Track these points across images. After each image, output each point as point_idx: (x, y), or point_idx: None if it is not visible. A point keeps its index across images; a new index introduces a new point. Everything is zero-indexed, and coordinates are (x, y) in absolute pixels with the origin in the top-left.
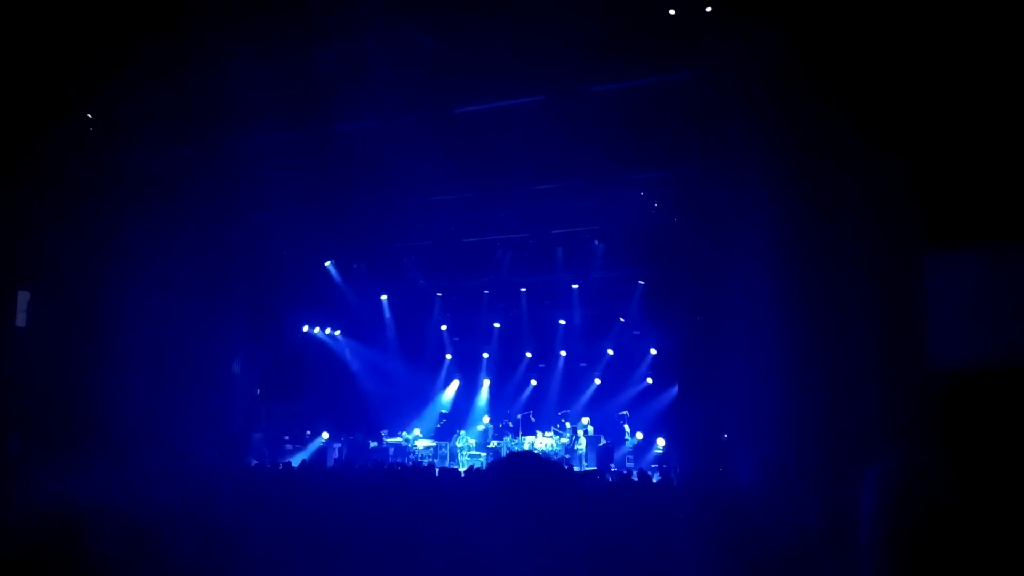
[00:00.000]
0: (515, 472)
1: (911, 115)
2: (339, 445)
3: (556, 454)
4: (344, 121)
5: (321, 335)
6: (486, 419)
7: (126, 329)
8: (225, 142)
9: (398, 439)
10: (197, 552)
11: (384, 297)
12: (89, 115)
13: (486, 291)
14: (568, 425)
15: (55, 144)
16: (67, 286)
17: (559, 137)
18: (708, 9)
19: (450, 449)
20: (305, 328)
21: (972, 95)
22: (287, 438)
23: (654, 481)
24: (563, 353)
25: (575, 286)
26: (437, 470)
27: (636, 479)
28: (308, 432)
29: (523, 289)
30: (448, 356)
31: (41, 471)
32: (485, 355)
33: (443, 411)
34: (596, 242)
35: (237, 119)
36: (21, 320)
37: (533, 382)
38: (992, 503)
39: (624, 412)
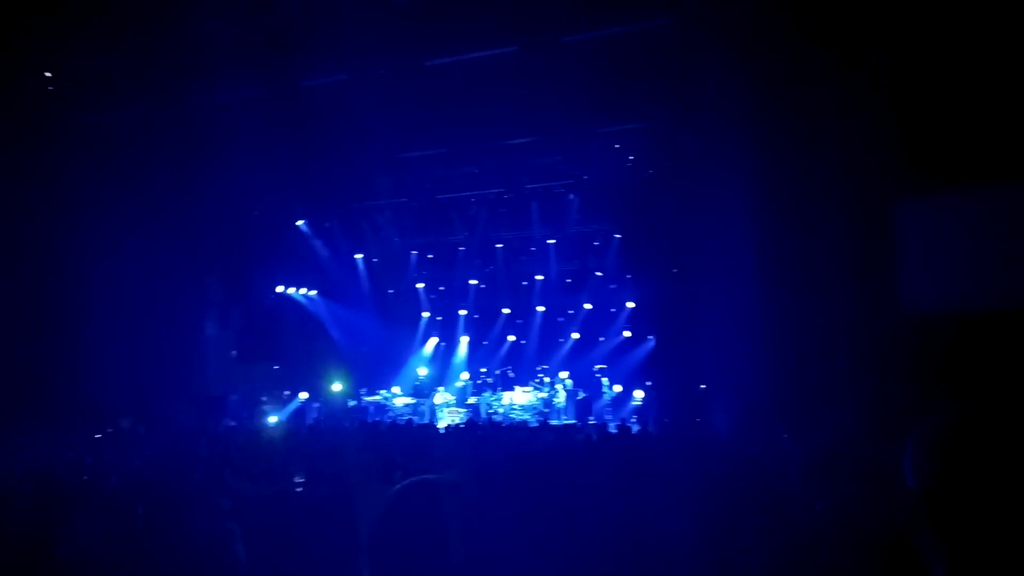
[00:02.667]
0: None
1: (883, 62)
2: (318, 404)
3: (535, 408)
4: (312, 76)
5: (296, 295)
6: (465, 376)
7: (95, 294)
8: (190, 100)
9: (377, 397)
10: (173, 518)
11: (359, 256)
12: (48, 74)
13: (462, 248)
14: (547, 380)
15: (14, 105)
16: (32, 251)
17: (532, 90)
18: None
19: (429, 406)
20: (280, 288)
21: (943, 42)
22: (264, 399)
23: (633, 432)
24: (540, 308)
25: (551, 241)
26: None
27: (614, 431)
28: (287, 392)
29: (499, 245)
30: (425, 314)
31: (14, 439)
32: (462, 312)
33: (421, 368)
34: (571, 196)
35: (202, 75)
36: None
37: (511, 338)
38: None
39: (600, 366)
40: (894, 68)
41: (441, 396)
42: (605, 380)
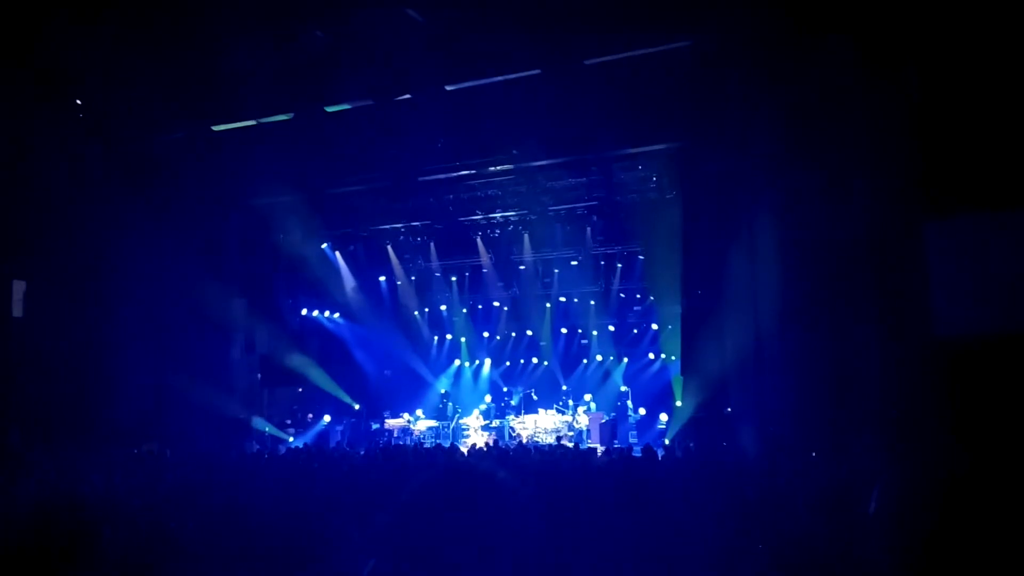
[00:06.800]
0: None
1: (911, 84)
2: (341, 427)
3: (558, 431)
4: (337, 102)
5: (321, 318)
6: (488, 398)
7: (124, 317)
8: (219, 126)
9: (400, 420)
10: (198, 539)
11: (382, 279)
12: (79, 102)
13: (485, 270)
14: (570, 403)
15: (46, 132)
16: (63, 275)
17: (555, 112)
18: None
19: (452, 429)
20: (304, 311)
21: (971, 64)
22: (289, 422)
23: (658, 455)
24: (563, 331)
25: (574, 263)
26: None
27: (639, 454)
28: (310, 415)
29: (522, 267)
30: (448, 336)
31: (43, 461)
32: (485, 334)
33: (444, 391)
34: (594, 217)
35: (231, 102)
36: (18, 310)
37: (534, 360)
38: (997, 467)
39: (624, 388)
40: (921, 90)
41: (470, 419)
42: (630, 403)
